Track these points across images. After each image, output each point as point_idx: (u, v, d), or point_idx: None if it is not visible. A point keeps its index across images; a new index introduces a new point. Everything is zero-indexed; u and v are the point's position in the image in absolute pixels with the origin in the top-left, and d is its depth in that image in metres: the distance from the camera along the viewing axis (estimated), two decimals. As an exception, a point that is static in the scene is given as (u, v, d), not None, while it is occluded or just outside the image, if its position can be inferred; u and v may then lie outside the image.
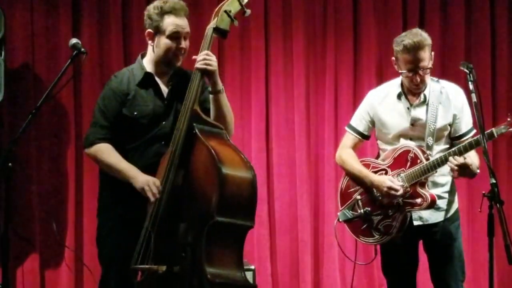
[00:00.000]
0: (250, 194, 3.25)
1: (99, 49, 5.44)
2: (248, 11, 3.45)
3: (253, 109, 5.58)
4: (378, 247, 4.02)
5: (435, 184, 3.86)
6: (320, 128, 5.62)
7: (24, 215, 5.30)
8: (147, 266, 3.26)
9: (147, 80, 3.51)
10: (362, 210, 3.90)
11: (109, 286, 3.51)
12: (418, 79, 3.78)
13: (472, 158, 3.77)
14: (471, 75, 3.61)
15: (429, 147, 3.82)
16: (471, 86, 3.58)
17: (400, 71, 3.82)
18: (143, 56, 3.58)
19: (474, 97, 3.55)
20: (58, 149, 5.41)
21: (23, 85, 5.36)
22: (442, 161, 3.73)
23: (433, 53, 3.83)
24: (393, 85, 3.95)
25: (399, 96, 3.89)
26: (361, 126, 4.00)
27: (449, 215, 3.89)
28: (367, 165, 3.95)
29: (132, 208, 3.41)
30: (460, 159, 3.67)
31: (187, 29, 3.49)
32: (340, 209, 4.00)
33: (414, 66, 3.75)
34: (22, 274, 5.31)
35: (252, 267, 4.97)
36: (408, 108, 3.86)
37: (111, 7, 5.46)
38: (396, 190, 3.78)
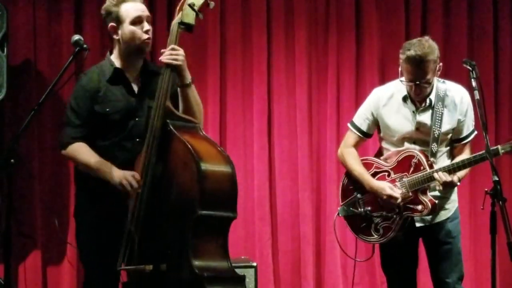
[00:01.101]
0: (230, 186, 3.25)
1: (101, 46, 5.42)
2: (212, 3, 3.40)
3: (255, 106, 5.57)
4: (377, 245, 4.02)
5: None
6: (322, 126, 5.61)
7: (26, 212, 5.31)
8: (133, 267, 3.24)
9: (117, 76, 3.48)
10: (362, 209, 3.90)
11: (94, 286, 3.48)
12: (418, 91, 3.76)
13: (461, 171, 3.79)
14: (473, 72, 3.61)
15: (433, 154, 3.81)
16: (473, 84, 3.58)
17: (401, 79, 3.81)
18: (111, 52, 3.55)
19: (476, 95, 3.55)
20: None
21: (25, 81, 5.35)
22: (431, 177, 3.75)
23: (440, 64, 3.79)
24: (398, 86, 3.91)
25: (404, 99, 3.87)
26: (364, 126, 3.99)
27: (450, 214, 3.90)
28: (370, 164, 3.95)
29: (110, 206, 3.39)
30: (448, 177, 3.70)
31: (147, 12, 3.47)
32: (341, 204, 4.00)
33: (414, 78, 3.73)
34: (24, 270, 5.31)
35: (254, 264, 4.97)
36: (413, 112, 3.85)
37: (113, 3, 5.45)
38: (396, 199, 3.79)
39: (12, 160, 3.48)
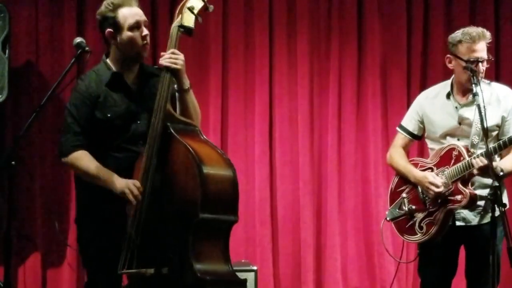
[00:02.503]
0: (232, 189, 3.24)
1: (103, 48, 5.41)
2: (211, 7, 3.38)
3: (257, 109, 5.57)
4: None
5: (484, 185, 3.83)
6: (324, 129, 5.61)
7: (27, 214, 5.30)
8: (134, 271, 3.22)
9: (115, 81, 3.44)
10: (406, 208, 3.93)
11: None
12: (482, 69, 3.78)
13: (503, 161, 3.78)
14: (474, 77, 3.63)
15: (474, 146, 3.83)
16: (474, 89, 3.60)
17: (462, 62, 3.79)
18: (107, 55, 3.51)
19: (477, 100, 3.57)
20: (61, 148, 5.40)
21: (27, 83, 5.36)
22: (470, 165, 3.73)
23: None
24: (443, 86, 3.99)
25: (448, 96, 3.92)
26: (411, 126, 4.04)
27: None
28: (415, 164, 3.99)
29: (113, 208, 3.34)
30: (485, 162, 3.66)
31: (144, 16, 3.42)
32: (389, 208, 4.03)
33: (480, 55, 3.77)
34: (24, 272, 5.31)
35: (254, 267, 4.97)
36: (456, 107, 3.88)
37: (116, 6, 5.46)
38: (437, 186, 3.79)
39: (13, 162, 3.48)
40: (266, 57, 5.58)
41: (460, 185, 3.78)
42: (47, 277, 5.36)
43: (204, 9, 3.37)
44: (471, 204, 3.77)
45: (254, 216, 5.52)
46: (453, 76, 3.95)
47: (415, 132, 4.05)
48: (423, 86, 5.63)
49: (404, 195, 3.97)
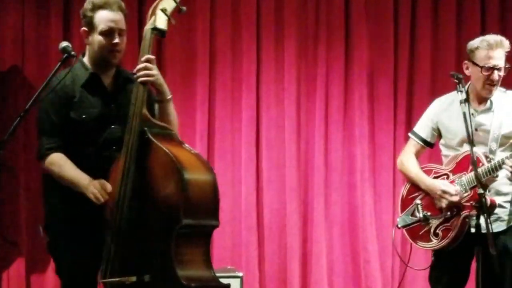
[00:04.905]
0: (212, 193, 3.22)
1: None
2: (184, 8, 3.34)
3: (244, 115, 5.57)
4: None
5: (498, 193, 3.80)
6: (310, 136, 5.62)
7: (11, 218, 5.28)
8: (116, 279, 3.16)
9: (92, 82, 3.37)
10: (421, 214, 3.85)
11: None
12: (496, 78, 3.76)
13: None
14: (461, 85, 3.64)
15: (492, 152, 3.79)
16: (460, 96, 3.60)
17: (478, 69, 3.78)
18: (83, 55, 3.44)
19: (463, 107, 3.57)
20: (47, 152, 5.38)
21: (13, 87, 5.34)
22: (500, 164, 3.68)
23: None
24: (458, 93, 3.92)
25: (464, 102, 3.89)
26: (424, 133, 3.99)
27: (507, 226, 3.80)
28: (429, 171, 3.93)
29: (87, 212, 3.27)
30: None
31: (121, 25, 3.34)
32: (400, 215, 3.97)
33: (497, 63, 3.75)
34: (8, 277, 5.28)
35: (240, 274, 4.95)
36: (472, 114, 3.83)
37: (103, 10, 5.44)
38: (450, 194, 3.75)
39: (-3, 167, 3.45)
40: (254, 63, 5.58)
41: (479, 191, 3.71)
42: (31, 282, 5.33)
43: (177, 10, 3.34)
44: (491, 210, 3.68)
45: (240, 222, 5.51)
46: (469, 83, 3.91)
47: (428, 139, 3.99)
48: (410, 94, 5.67)
49: (417, 201, 3.89)
